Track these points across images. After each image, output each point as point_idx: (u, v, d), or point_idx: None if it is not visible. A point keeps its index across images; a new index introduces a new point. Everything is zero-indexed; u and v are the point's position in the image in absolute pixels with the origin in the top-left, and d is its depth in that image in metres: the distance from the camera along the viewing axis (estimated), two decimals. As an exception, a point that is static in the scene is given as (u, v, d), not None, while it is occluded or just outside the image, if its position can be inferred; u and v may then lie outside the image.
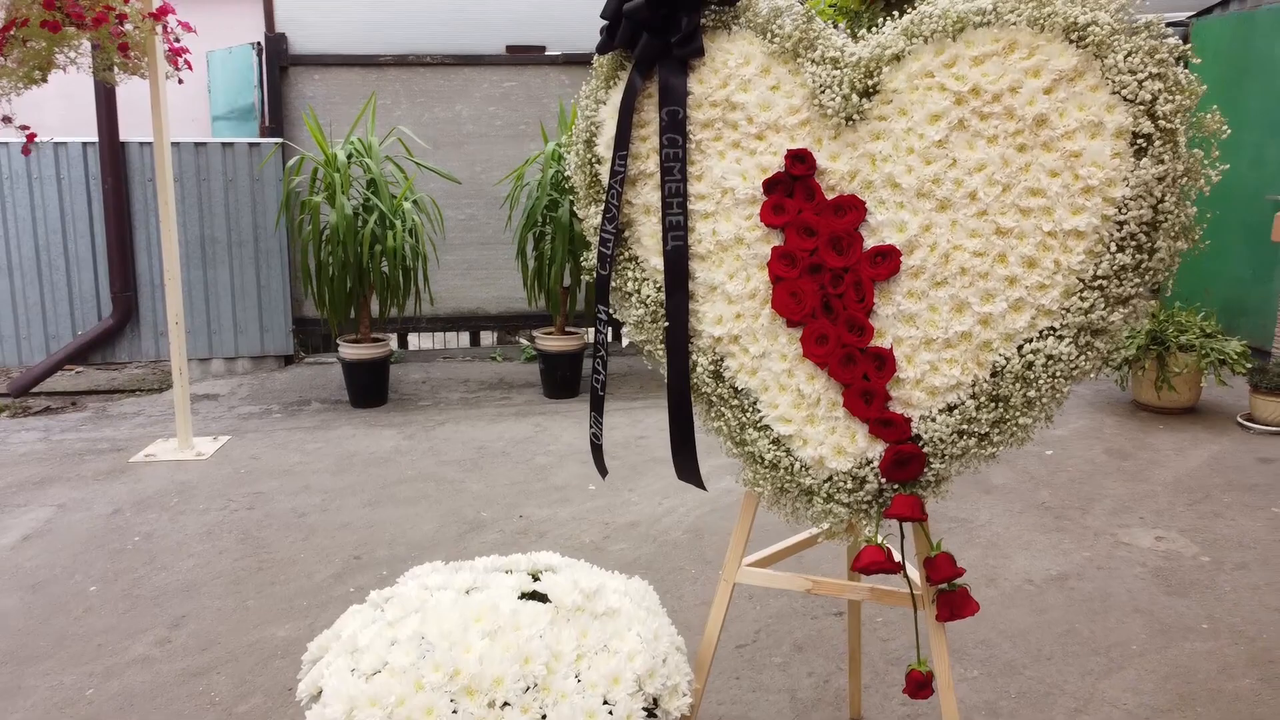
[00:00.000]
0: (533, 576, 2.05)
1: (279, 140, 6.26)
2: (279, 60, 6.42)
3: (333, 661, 1.89)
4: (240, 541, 3.82)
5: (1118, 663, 2.86)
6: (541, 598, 1.98)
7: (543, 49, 6.66)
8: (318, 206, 5.46)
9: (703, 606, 3.21)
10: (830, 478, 1.83)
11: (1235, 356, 4.88)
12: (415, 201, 5.69)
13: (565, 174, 5.60)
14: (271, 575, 3.53)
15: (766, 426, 1.87)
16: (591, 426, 2.06)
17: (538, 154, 5.80)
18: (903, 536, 1.87)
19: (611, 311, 2.01)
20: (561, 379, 5.91)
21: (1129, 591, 3.28)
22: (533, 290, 5.90)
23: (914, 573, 1.98)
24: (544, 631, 1.86)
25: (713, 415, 1.92)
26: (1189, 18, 6.87)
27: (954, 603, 1.86)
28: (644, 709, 1.81)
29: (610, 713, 1.76)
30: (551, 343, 5.87)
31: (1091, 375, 1.72)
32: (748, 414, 1.88)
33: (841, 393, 1.80)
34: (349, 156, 5.53)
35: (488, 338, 7.09)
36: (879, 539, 1.80)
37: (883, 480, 1.79)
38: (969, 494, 4.14)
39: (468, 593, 1.99)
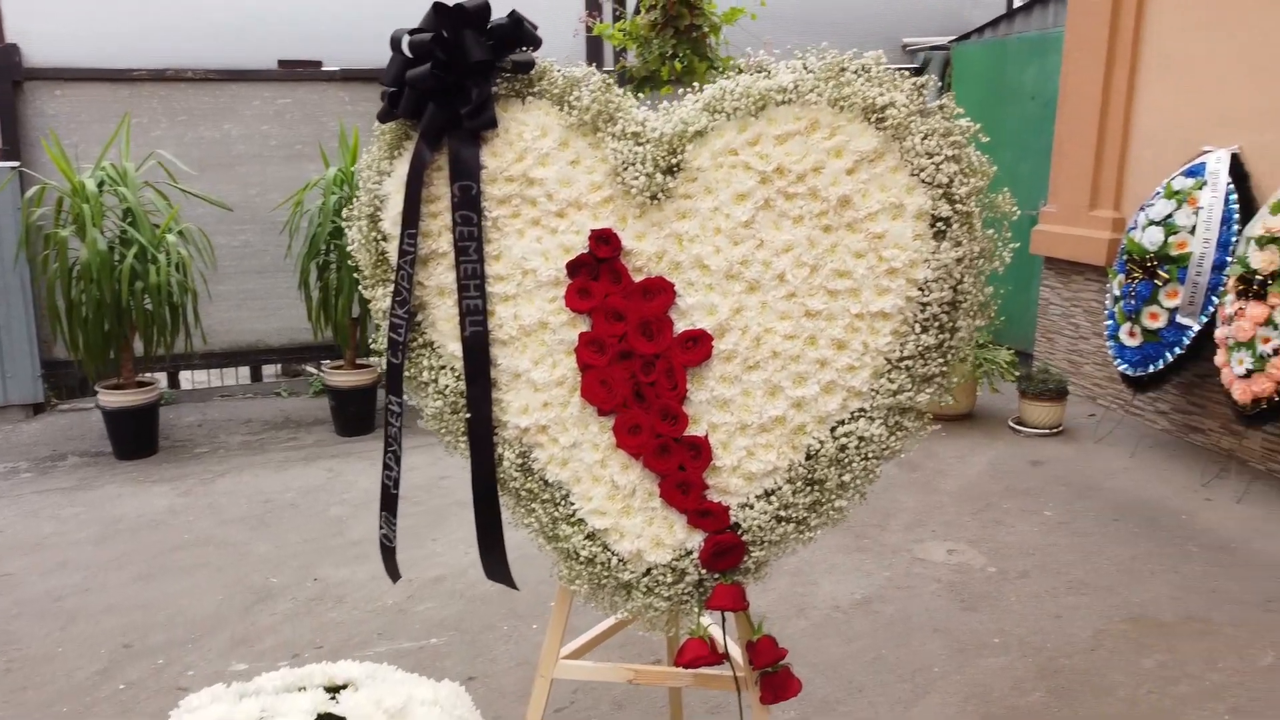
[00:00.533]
0: (331, 691, 1.86)
1: (14, 165, 5.58)
2: (11, 74, 5.72)
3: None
4: (-16, 638, 3.35)
5: (923, 688, 2.96)
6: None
7: (319, 64, 6.28)
8: (65, 241, 4.89)
9: (520, 668, 3.08)
10: (649, 571, 1.75)
11: (1005, 365, 5.24)
12: (181, 232, 5.21)
13: (347, 199, 5.31)
14: (23, 677, 3.10)
15: (581, 520, 1.77)
16: (382, 527, 1.89)
17: (318, 179, 5.45)
18: (724, 619, 1.82)
19: (406, 401, 1.85)
20: (355, 415, 5.59)
21: (928, 610, 3.42)
22: (319, 322, 5.55)
23: (735, 650, 1.94)
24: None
25: (522, 510, 1.80)
26: (950, 42, 7.34)
27: (777, 685, 1.83)
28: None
29: None
30: (342, 378, 5.54)
31: (901, 454, 1.72)
32: (560, 508, 1.78)
33: (658, 483, 1.72)
34: (100, 185, 4.99)
35: (271, 371, 6.63)
36: (703, 630, 1.74)
37: (703, 571, 1.72)
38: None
39: (258, 729, 1.77)
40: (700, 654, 1.71)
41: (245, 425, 5.81)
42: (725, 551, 1.71)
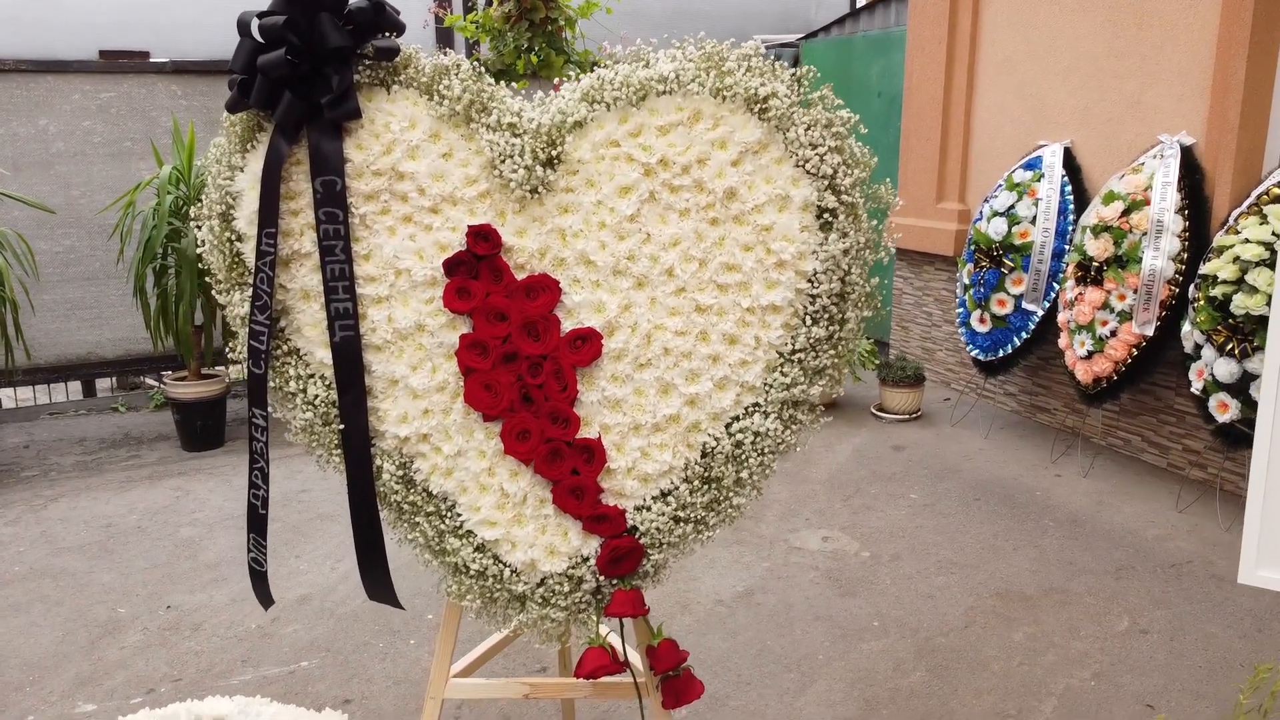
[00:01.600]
0: (198, 737, 1.70)
1: None
2: None
3: None
4: None
5: (809, 676, 2.99)
6: (212, 767, 1.64)
7: (146, 55, 5.86)
8: None
9: (398, 686, 2.94)
10: (544, 581, 1.68)
11: (866, 354, 5.38)
12: (-3, 238, 4.76)
13: (185, 199, 4.97)
14: None
15: (469, 532, 1.67)
16: (251, 550, 1.74)
17: (151, 178, 5.07)
18: (623, 626, 1.76)
19: (271, 414, 1.70)
20: (202, 429, 5.25)
21: (807, 599, 3.46)
22: (158, 331, 5.17)
23: (634, 657, 1.88)
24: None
25: (405, 525, 1.69)
26: (798, 39, 7.49)
27: (679, 689, 1.78)
28: None
29: None
30: (186, 389, 5.19)
31: (796, 448, 1.70)
32: (446, 520, 1.67)
33: (550, 490, 1.65)
34: (-102, 186, 4.51)
35: (106, 386, 6.16)
36: (602, 639, 1.68)
37: (600, 577, 1.66)
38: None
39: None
40: (601, 663, 1.64)
41: (79, 444, 5.37)
42: (623, 556, 1.64)
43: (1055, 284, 4.73)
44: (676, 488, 1.65)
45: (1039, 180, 4.82)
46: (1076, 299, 4.44)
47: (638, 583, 1.69)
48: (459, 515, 1.67)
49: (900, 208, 6.05)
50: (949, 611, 3.35)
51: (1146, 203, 4.21)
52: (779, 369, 1.65)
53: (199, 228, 1.72)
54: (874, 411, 5.51)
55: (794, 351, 1.65)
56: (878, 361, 5.43)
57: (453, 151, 1.65)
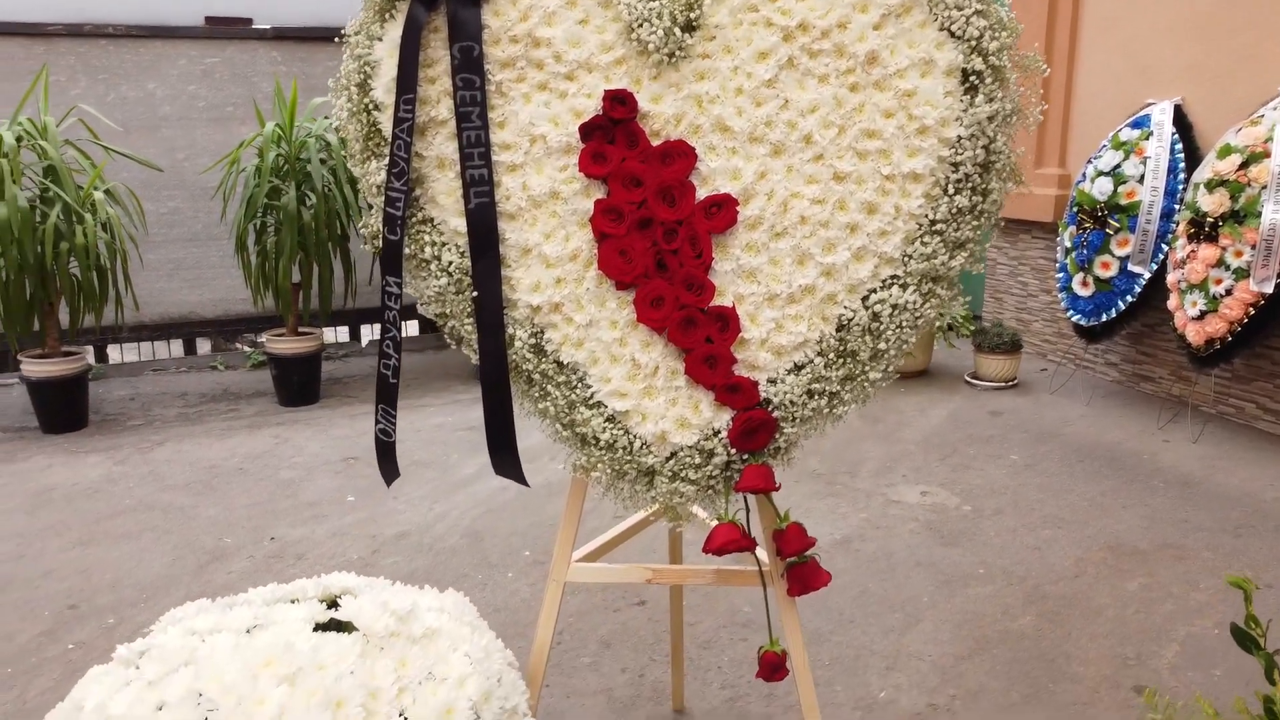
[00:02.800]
0: (327, 604, 1.72)
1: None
2: (-87, 29, 5.35)
3: (74, 749, 1.47)
4: (-94, 608, 3.09)
5: (914, 617, 2.92)
6: (342, 627, 1.65)
7: (249, 21, 6.02)
8: (-19, 199, 4.58)
9: (496, 614, 2.95)
10: (674, 454, 1.65)
11: (961, 320, 5.26)
12: (108, 191, 4.93)
13: (286, 157, 5.08)
14: (-45, 645, 2.86)
15: (599, 404, 1.66)
16: (379, 421, 1.75)
17: (254, 135, 5.20)
18: (749, 511, 1.73)
19: (404, 283, 1.71)
20: (299, 385, 5.36)
21: (908, 547, 3.38)
22: (258, 288, 5.30)
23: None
24: (354, 667, 1.55)
25: (536, 394, 1.68)
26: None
27: (805, 576, 1.74)
28: (481, 740, 1.55)
29: (446, 753, 1.49)
30: (284, 345, 5.31)
31: (936, 323, 1.65)
32: (577, 391, 1.66)
33: (683, 359, 1.62)
34: (18, 139, 4.69)
35: (205, 345, 6.34)
36: (732, 515, 1.65)
37: (731, 451, 1.63)
38: (743, 468, 4.15)
39: (249, 633, 1.62)
40: (732, 537, 1.61)
41: (181, 398, 5.53)
42: (756, 429, 1.61)
43: (1164, 245, 4.56)
44: (811, 361, 1.62)
45: (1147, 138, 4.66)
46: (1188, 257, 4.27)
47: (768, 460, 1.65)
48: (589, 387, 1.66)
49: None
50: (1057, 562, 3.25)
51: (1266, 155, 4.03)
52: (919, 240, 1.60)
53: (336, 97, 1.74)
54: (968, 379, 5.38)
55: (934, 222, 1.60)
56: (972, 328, 5.30)
57: (589, 18, 1.63)
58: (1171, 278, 4.42)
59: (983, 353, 5.24)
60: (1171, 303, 4.42)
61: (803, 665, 1.78)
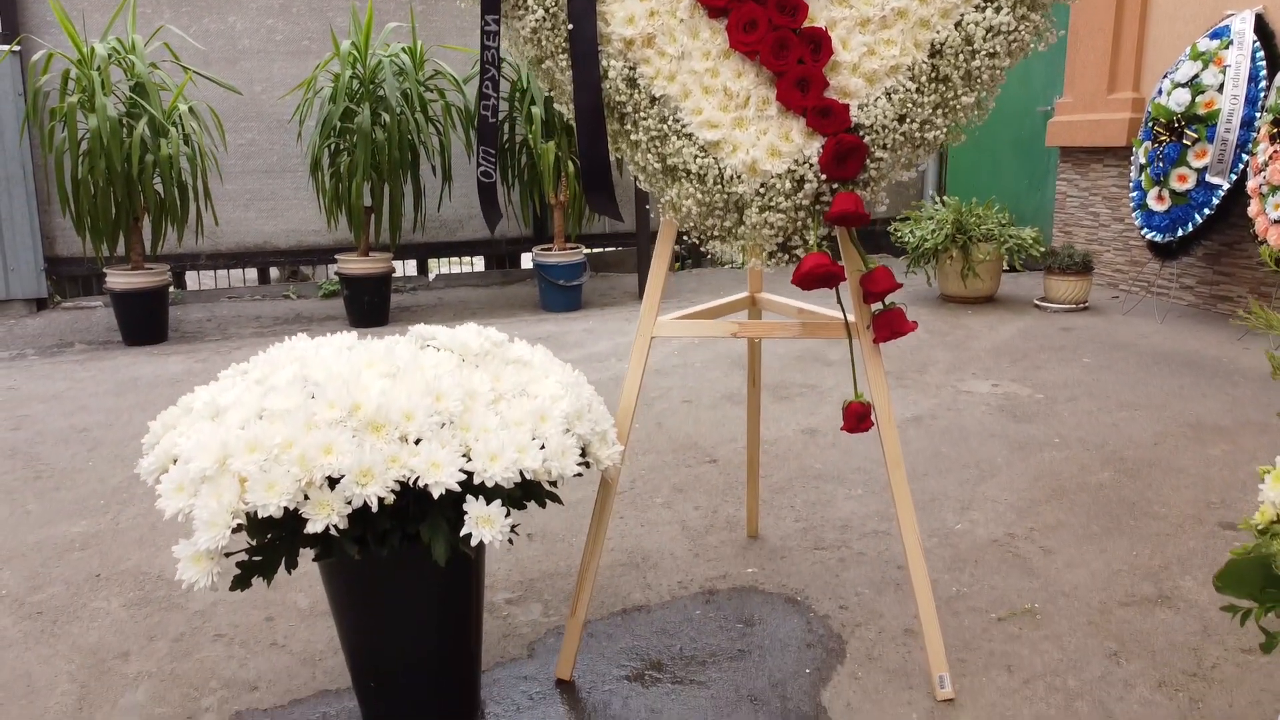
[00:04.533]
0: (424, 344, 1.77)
1: (15, 48, 5.43)
2: (9, -38, 5.58)
3: (189, 428, 1.53)
4: (7, 457, 3.22)
5: (988, 472, 2.89)
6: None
7: (326, -40, 6.17)
8: (74, 110, 4.76)
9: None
10: (765, 184, 1.67)
11: (1031, 241, 5.20)
12: (190, 109, 5.09)
13: (362, 80, 5.20)
14: (54, 483, 2.98)
15: (691, 134, 1.68)
16: (480, 164, 1.80)
17: (331, 56, 5.33)
18: (840, 258, 1.73)
19: (501, 18, 1.75)
20: (369, 305, 5.47)
21: (980, 423, 3.35)
22: (332, 210, 5.43)
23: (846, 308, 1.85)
24: (452, 373, 1.59)
25: (629, 127, 1.71)
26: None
27: (892, 321, 1.75)
28: (577, 451, 1.58)
29: (542, 447, 1.52)
30: (356, 266, 5.42)
31: (1032, 47, 1.65)
32: (668, 123, 1.69)
33: (774, 88, 1.64)
34: (109, 55, 4.86)
35: (278, 274, 6.49)
36: (820, 244, 1.66)
37: (821, 177, 1.64)
38: (810, 366, 4.14)
39: (351, 350, 1.68)
40: (821, 261, 1.62)
41: (255, 320, 5.68)
42: (847, 154, 1.62)
43: (1244, 154, 4.46)
44: (904, 85, 1.62)
45: (1226, 47, 4.56)
46: (1270, 159, 4.17)
47: (858, 190, 1.66)
48: (681, 121, 1.69)
49: (1067, 105, 5.84)
50: (1136, 434, 3.19)
51: (1355, 49, 3.92)
52: (1014, -36, 1.60)
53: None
54: (1037, 303, 5.31)
55: (1030, -53, 1.60)
56: (1043, 249, 5.23)
57: None
58: (1252, 183, 4.32)
59: (1053, 274, 5.16)
60: (1252, 209, 4.32)
61: (887, 417, 1.78)
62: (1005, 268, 5.39)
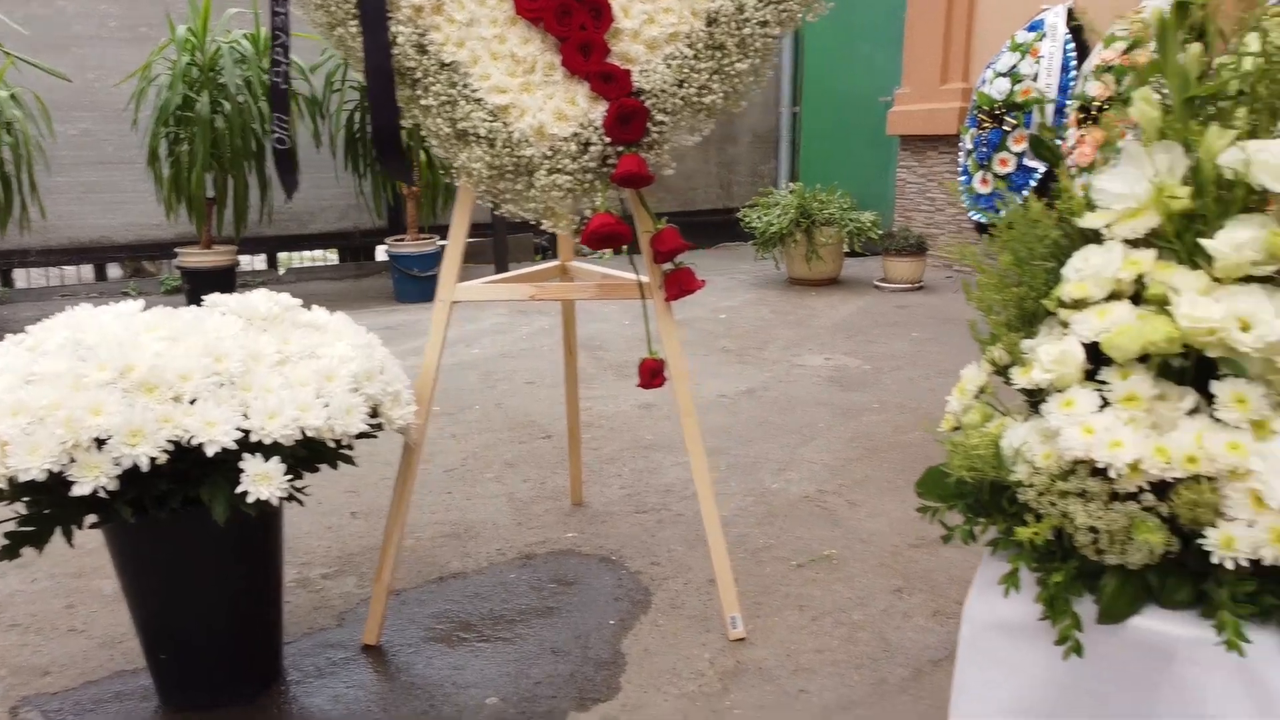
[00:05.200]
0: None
1: None
2: None
3: (-50, 394, 1.48)
4: None
5: (810, 436, 3.03)
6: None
7: (162, -57, 5.94)
8: (-123, 94, 4.46)
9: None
10: (553, 148, 1.72)
11: (870, 224, 5.43)
12: (13, 95, 4.83)
13: (201, 67, 5.04)
14: None
15: (480, 100, 1.72)
16: (274, 131, 1.79)
17: (168, 41, 5.15)
18: (630, 220, 1.80)
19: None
20: (213, 298, 5.30)
21: (810, 393, 3.50)
22: (171, 201, 5.24)
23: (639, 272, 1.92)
24: (236, 336, 1.59)
25: (420, 93, 1.73)
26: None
27: (682, 280, 1.83)
28: (366, 411, 1.60)
29: (326, 405, 1.53)
30: (198, 259, 5.26)
31: (801, 17, 1.74)
32: (458, 88, 1.72)
33: (559, 49, 1.69)
34: (-83, 36, 4.58)
35: (117, 271, 6.22)
36: (608, 205, 1.72)
37: (606, 140, 1.70)
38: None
39: (132, 316, 1.65)
40: (606, 222, 1.69)
41: (91, 315, 5.43)
42: (629, 117, 1.69)
43: (1059, 139, 4.77)
44: (682, 53, 1.70)
45: (1041, 39, 4.86)
46: (1078, 143, 4.47)
47: (642, 153, 1.73)
48: (471, 86, 1.72)
49: (905, 96, 6.12)
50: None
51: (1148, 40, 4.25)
52: (780, -62, 1.69)
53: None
54: (877, 284, 5.54)
55: (794, -78, 1.69)
56: (880, 232, 5.47)
57: None
58: (1064, 167, 4.61)
59: (890, 256, 5.41)
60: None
61: (681, 374, 1.85)
62: (847, 251, 5.60)
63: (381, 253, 6.45)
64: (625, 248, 1.74)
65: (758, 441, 2.99)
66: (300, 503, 1.61)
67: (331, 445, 1.58)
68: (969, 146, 5.18)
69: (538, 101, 1.71)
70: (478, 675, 1.77)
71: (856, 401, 3.37)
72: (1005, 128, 4.94)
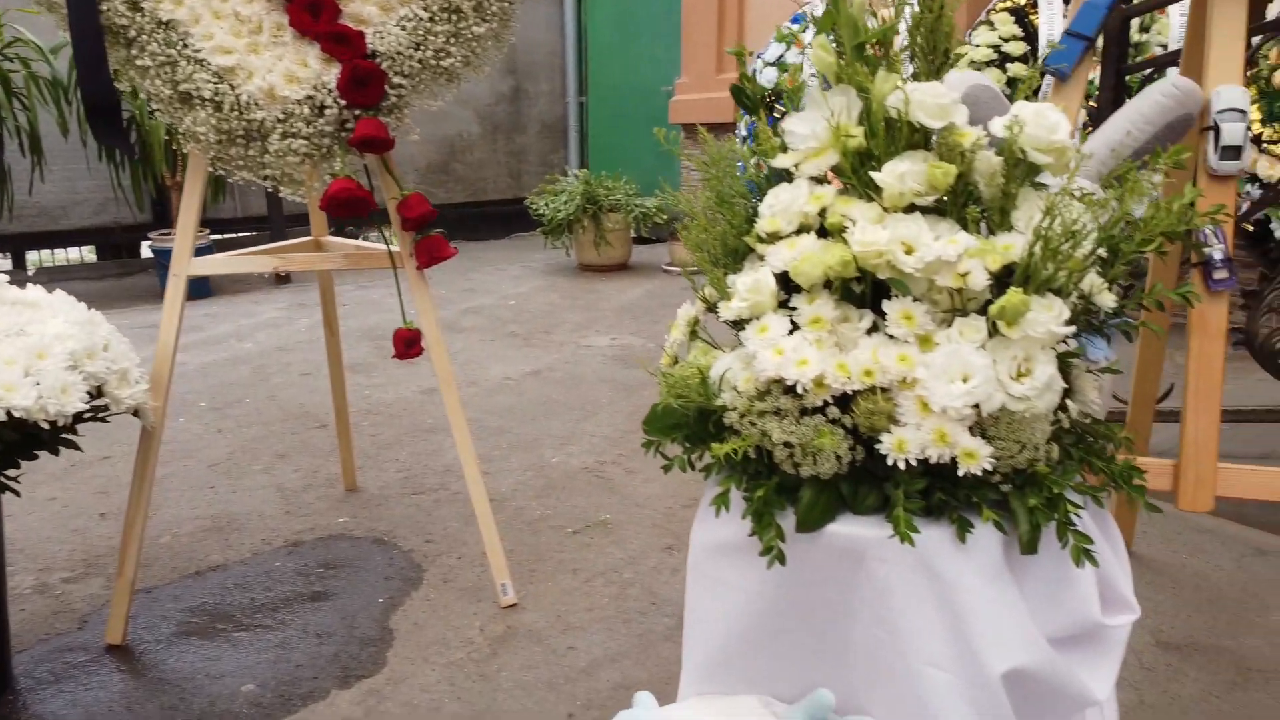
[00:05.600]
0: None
1: None
2: None
3: None
4: None
5: (592, 412, 3.07)
6: (-79, 305, 1.53)
7: None
8: None
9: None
10: (286, 111, 1.66)
11: (655, 210, 5.55)
12: None
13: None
14: None
15: (204, 61, 1.63)
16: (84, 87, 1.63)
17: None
18: (371, 186, 1.76)
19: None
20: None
21: (595, 372, 3.55)
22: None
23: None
24: (-73, 315, 1.44)
25: (135, 53, 1.63)
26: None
27: (431, 248, 1.81)
28: (87, 391, 1.49)
29: (37, 384, 1.42)
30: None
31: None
32: (178, 48, 1.63)
33: (286, 8, 1.64)
34: None
35: None
36: (348, 171, 1.68)
37: (342, 103, 1.66)
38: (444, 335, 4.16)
39: None
40: (347, 186, 1.64)
41: None
42: (365, 79, 1.65)
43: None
44: (417, 14, 1.68)
45: (805, 30, 5.12)
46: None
47: (382, 116, 1.70)
48: (193, 46, 1.63)
49: (685, 85, 6.29)
50: (727, 369, 3.51)
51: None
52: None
53: None
54: (665, 268, 5.68)
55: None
56: (666, 216, 5.61)
57: None
58: (828, 151, 4.88)
59: (676, 240, 5.55)
60: (830, 173, 4.89)
61: (436, 340, 1.84)
62: (635, 236, 5.71)
63: (147, 249, 6.02)
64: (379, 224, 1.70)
65: (541, 419, 3.00)
66: (16, 493, 1.49)
67: (47, 428, 1.46)
68: (744, 134, 5.39)
69: (266, 63, 1.65)
70: (234, 665, 1.69)
71: (639, 378, 3.44)
72: (775, 116, 5.16)
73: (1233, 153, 1.25)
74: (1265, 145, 3.30)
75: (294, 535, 2.21)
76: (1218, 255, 1.25)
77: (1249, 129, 1.27)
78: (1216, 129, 1.27)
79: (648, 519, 2.26)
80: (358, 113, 1.68)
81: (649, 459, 2.63)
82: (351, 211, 1.66)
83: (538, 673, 1.66)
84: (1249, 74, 3.50)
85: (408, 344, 1.81)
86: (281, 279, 5.48)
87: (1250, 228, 3.46)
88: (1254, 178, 3.25)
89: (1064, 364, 1.02)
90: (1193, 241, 1.23)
